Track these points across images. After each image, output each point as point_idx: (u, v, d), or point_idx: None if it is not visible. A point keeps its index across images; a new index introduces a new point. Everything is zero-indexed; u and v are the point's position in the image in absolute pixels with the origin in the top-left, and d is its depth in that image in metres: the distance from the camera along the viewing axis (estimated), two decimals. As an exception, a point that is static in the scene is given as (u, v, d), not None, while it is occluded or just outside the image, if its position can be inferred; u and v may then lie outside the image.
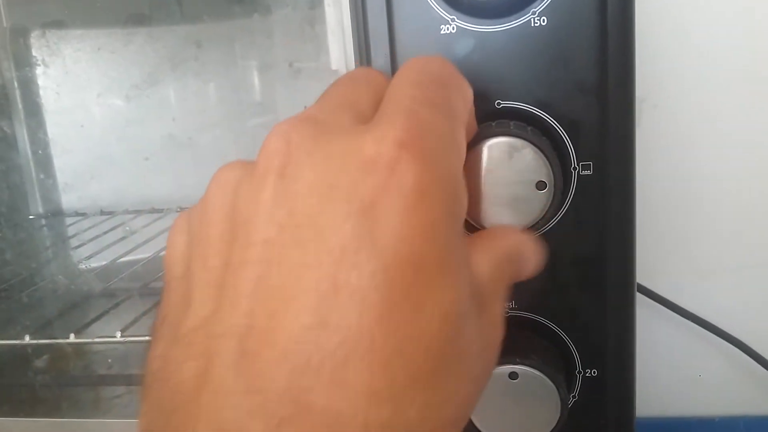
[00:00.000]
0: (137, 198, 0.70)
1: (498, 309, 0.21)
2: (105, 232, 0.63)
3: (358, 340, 0.16)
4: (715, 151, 0.50)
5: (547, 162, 0.26)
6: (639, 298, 0.50)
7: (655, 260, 0.53)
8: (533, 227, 0.27)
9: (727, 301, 0.53)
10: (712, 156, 0.51)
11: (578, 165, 0.27)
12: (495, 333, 0.21)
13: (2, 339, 0.43)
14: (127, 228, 0.65)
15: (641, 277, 0.50)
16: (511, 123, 0.27)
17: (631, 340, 0.29)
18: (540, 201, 0.26)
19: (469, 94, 0.23)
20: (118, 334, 0.43)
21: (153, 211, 0.68)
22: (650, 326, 0.54)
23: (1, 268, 0.60)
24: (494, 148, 0.26)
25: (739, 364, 0.53)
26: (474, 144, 0.26)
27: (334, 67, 0.64)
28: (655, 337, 0.54)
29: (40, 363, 0.44)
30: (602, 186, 0.28)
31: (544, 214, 0.27)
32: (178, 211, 0.67)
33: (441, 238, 0.18)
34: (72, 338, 0.41)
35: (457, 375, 0.18)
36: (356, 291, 0.16)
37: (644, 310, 0.53)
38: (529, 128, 0.27)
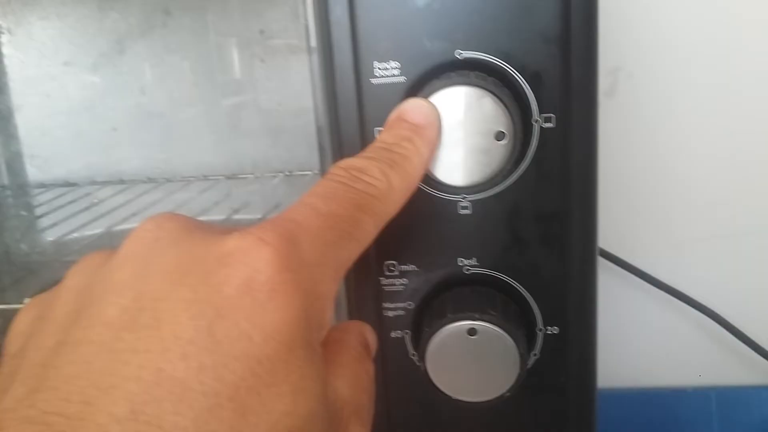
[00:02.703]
0: (105, 170, 0.69)
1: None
2: (69, 203, 0.62)
3: None
4: (691, 122, 0.50)
5: (506, 111, 0.25)
6: (611, 267, 0.51)
7: (629, 230, 0.53)
8: (493, 180, 0.27)
9: (700, 271, 0.53)
10: (687, 126, 0.50)
11: (540, 117, 0.27)
12: None
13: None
14: (95, 200, 0.64)
15: (613, 246, 0.50)
16: (472, 73, 0.26)
17: (592, 297, 0.29)
18: (499, 152, 0.26)
19: (390, 212, 0.22)
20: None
21: (120, 182, 0.67)
22: (622, 296, 0.54)
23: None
24: (453, 97, 0.25)
25: (711, 334, 0.54)
26: (431, 94, 0.26)
27: (313, 43, 0.63)
28: (626, 307, 0.54)
29: (-7, 327, 0.43)
30: (564, 139, 0.27)
31: (504, 166, 0.26)
32: (145, 182, 0.66)
33: (287, 343, 0.17)
34: (26, 302, 0.40)
35: None
36: (178, 385, 0.15)
37: (616, 280, 0.53)
38: (489, 78, 0.26)
